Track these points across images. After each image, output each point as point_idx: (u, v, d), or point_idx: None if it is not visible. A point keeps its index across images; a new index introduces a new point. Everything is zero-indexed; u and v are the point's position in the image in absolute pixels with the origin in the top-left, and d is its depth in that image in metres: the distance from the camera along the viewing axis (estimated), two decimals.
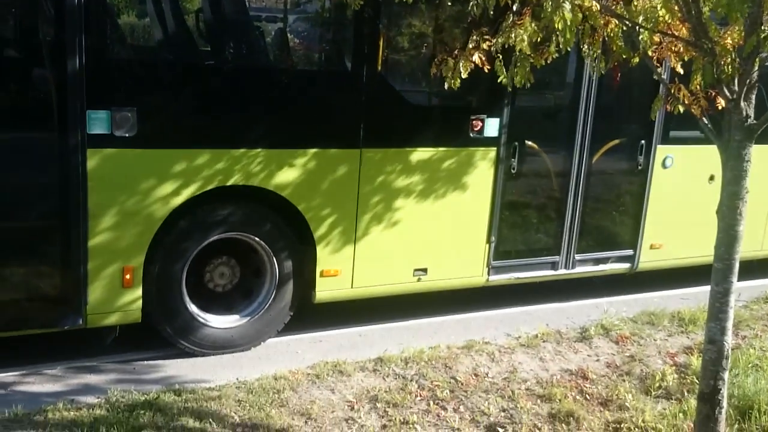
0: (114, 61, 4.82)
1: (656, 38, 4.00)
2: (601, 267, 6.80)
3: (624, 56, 4.21)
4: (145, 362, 5.19)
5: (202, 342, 5.29)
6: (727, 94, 3.64)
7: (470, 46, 4.23)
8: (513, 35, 3.92)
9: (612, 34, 4.10)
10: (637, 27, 3.84)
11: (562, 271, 6.63)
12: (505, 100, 5.87)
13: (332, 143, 5.39)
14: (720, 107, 3.91)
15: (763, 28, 3.40)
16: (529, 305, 6.64)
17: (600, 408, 4.91)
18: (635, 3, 3.80)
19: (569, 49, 3.93)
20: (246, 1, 5.47)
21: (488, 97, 5.83)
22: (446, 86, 4.32)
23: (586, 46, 4.23)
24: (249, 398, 4.65)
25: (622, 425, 4.68)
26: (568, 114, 6.41)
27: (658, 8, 3.66)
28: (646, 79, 6.11)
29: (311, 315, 5.78)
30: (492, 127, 5.89)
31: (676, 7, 3.59)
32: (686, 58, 4.14)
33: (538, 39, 3.98)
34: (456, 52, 4.29)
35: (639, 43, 3.94)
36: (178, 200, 4.93)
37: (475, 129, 5.84)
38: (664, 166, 6.71)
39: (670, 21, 3.76)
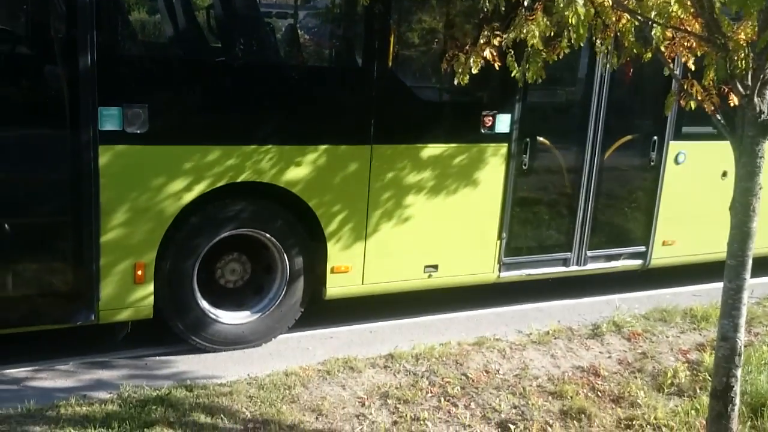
0: (125, 58, 4.84)
1: (669, 33, 3.97)
2: (613, 264, 6.77)
3: (636, 52, 4.19)
4: (157, 358, 5.21)
5: (214, 338, 5.31)
6: (741, 89, 3.61)
7: (481, 41, 4.21)
8: (525, 30, 3.90)
9: (624, 30, 4.08)
10: (650, 22, 3.81)
11: (573, 268, 6.60)
12: (516, 96, 5.84)
13: (343, 139, 5.38)
14: (733, 103, 3.89)
15: None
16: (541, 302, 6.62)
17: (612, 405, 4.89)
18: None
19: (581, 44, 3.91)
20: None
21: (499, 93, 5.81)
22: (456, 82, 4.31)
23: (598, 42, 4.21)
24: (260, 394, 4.67)
25: (633, 422, 4.67)
26: (579, 110, 6.39)
27: (671, 3, 3.64)
28: (658, 75, 6.04)
29: (322, 311, 5.79)
30: (503, 123, 5.87)
31: (688, 2, 3.57)
32: (699, 54, 4.11)
33: (550, 34, 3.97)
34: (467, 47, 4.28)
35: (651, 38, 3.91)
36: (189, 197, 4.94)
37: (486, 125, 5.83)
38: (676, 162, 6.67)
39: (682, 16, 3.74)
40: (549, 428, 4.54)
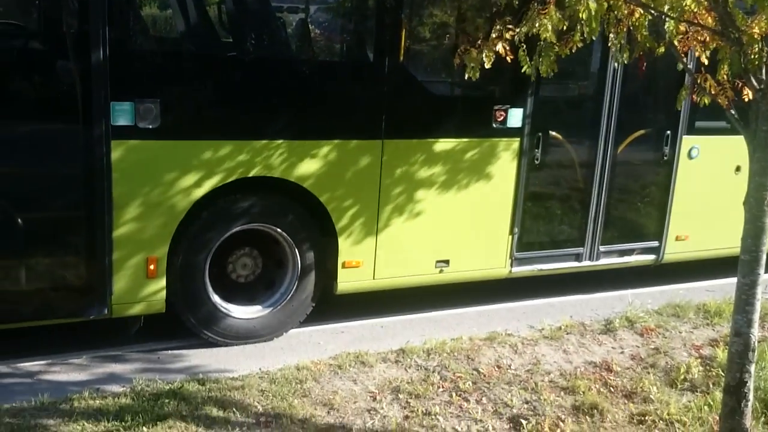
0: (137, 53, 4.85)
1: (682, 27, 3.94)
2: (626, 258, 6.75)
3: (649, 46, 4.16)
4: (169, 352, 5.24)
5: (225, 332, 5.33)
6: (755, 83, 3.58)
7: (493, 35, 4.19)
8: (537, 24, 3.88)
9: (637, 24, 4.05)
10: (663, 16, 3.79)
11: (586, 263, 6.58)
12: (528, 90, 5.82)
13: (354, 134, 5.38)
14: (747, 98, 3.86)
15: None
16: (553, 297, 6.61)
17: (624, 400, 4.87)
18: None
19: (594, 38, 3.89)
20: None
21: (511, 87, 5.79)
22: (467, 76, 4.29)
23: (611, 36, 4.18)
24: (272, 388, 4.68)
25: (646, 418, 4.65)
26: (592, 104, 6.36)
27: None
28: (671, 69, 6.01)
29: (333, 306, 5.79)
30: (515, 117, 5.85)
31: None
32: (712, 48, 4.08)
33: (563, 28, 3.95)
34: (479, 42, 4.26)
35: (664, 32, 3.89)
36: (200, 191, 4.96)
37: (498, 119, 5.81)
38: (690, 156, 6.64)
39: (696, 10, 3.71)
40: (561, 423, 4.53)
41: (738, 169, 6.60)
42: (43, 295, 4.80)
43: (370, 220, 5.55)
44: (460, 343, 5.48)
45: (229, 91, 5.08)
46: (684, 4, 3.62)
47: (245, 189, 5.14)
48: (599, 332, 5.88)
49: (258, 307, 5.48)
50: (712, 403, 4.76)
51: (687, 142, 6.59)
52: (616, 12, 3.84)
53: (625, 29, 4.13)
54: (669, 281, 7.05)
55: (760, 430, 4.46)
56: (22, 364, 4.88)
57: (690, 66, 4.59)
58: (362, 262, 5.61)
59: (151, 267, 4.94)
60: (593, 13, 3.59)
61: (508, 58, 4.23)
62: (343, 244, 5.50)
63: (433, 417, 4.51)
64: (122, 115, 4.64)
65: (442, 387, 4.86)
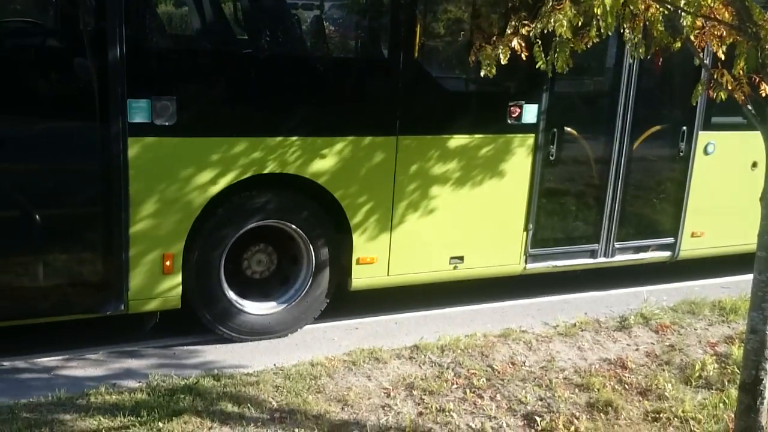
0: (154, 51, 4.87)
1: (698, 22, 3.92)
2: (642, 255, 6.71)
3: (665, 41, 4.14)
4: (185, 347, 5.27)
5: (240, 328, 5.35)
6: None
7: (508, 31, 4.18)
8: (552, 20, 3.87)
9: (653, 19, 4.03)
10: (679, 11, 3.76)
11: (601, 260, 6.55)
12: (543, 86, 5.80)
13: (368, 131, 5.38)
14: (764, 93, 3.83)
15: None
16: (567, 294, 6.59)
17: (639, 398, 4.86)
18: None
19: (610, 33, 3.87)
20: None
21: (526, 83, 5.77)
22: (483, 73, 4.29)
23: (626, 31, 4.16)
24: (286, 384, 4.70)
25: (661, 415, 4.64)
26: (608, 100, 6.33)
27: None
28: (687, 64, 5.98)
29: (347, 302, 5.81)
30: (530, 113, 5.83)
31: None
32: (729, 43, 4.05)
33: (578, 23, 3.93)
34: (494, 38, 4.25)
35: (681, 27, 3.86)
36: (216, 188, 4.98)
37: (513, 115, 5.80)
38: (705, 152, 6.59)
39: (712, 5, 3.69)
40: (575, 420, 4.53)
41: (754, 164, 6.56)
42: (60, 291, 4.83)
43: (384, 216, 5.55)
44: (474, 339, 5.48)
45: (245, 89, 5.10)
46: None
47: (260, 186, 5.16)
48: (614, 329, 5.86)
49: (273, 304, 5.49)
50: (727, 400, 4.74)
51: (703, 138, 6.55)
52: (631, 7, 3.82)
53: (641, 24, 4.11)
54: (684, 278, 7.02)
55: None
56: (39, 360, 4.93)
57: (706, 61, 4.56)
58: (376, 259, 5.62)
59: (167, 263, 4.97)
60: (608, 8, 3.58)
61: (523, 55, 4.22)
62: (358, 240, 5.51)
63: (447, 413, 4.52)
64: (139, 112, 4.67)
65: (456, 383, 4.86)
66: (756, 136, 3.80)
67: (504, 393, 4.81)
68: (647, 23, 4.08)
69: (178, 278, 5.04)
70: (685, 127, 6.50)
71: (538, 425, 4.46)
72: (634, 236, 6.64)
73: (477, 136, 5.72)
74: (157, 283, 4.99)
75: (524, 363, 5.22)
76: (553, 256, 6.35)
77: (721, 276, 7.09)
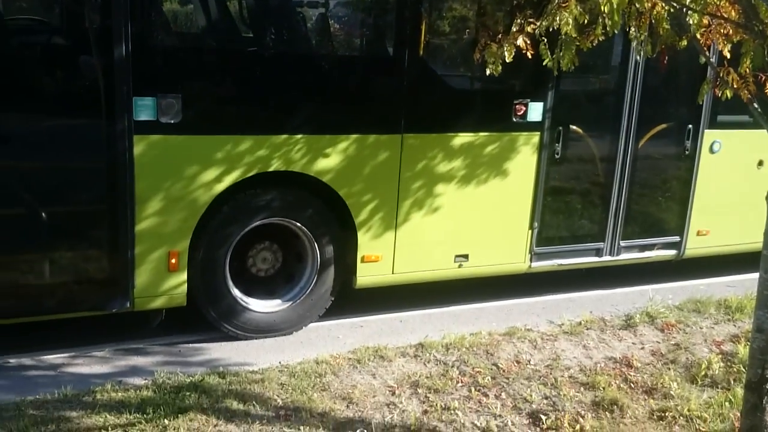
0: (159, 49, 4.88)
1: (705, 20, 3.91)
2: (647, 254, 6.70)
3: (671, 40, 4.13)
4: (191, 345, 5.28)
5: (245, 326, 5.36)
6: None
7: (514, 29, 4.18)
8: (558, 18, 3.86)
9: (659, 17, 4.02)
10: (685, 9, 3.75)
11: (606, 258, 6.54)
12: (549, 84, 5.79)
13: (373, 128, 5.38)
14: None
15: None
16: (572, 292, 6.59)
17: (644, 396, 4.86)
18: None
19: (616, 31, 3.87)
20: None
21: (532, 81, 5.77)
22: (487, 71, 4.28)
23: (632, 29, 4.15)
24: (291, 382, 4.71)
25: (666, 414, 4.63)
26: (613, 98, 6.32)
27: None
28: (693, 63, 5.98)
29: (352, 300, 5.81)
30: (536, 111, 5.83)
31: None
32: (735, 41, 4.04)
33: (584, 21, 3.92)
34: (499, 36, 4.25)
35: (687, 25, 3.85)
36: (221, 186, 4.99)
37: (519, 113, 5.79)
38: (711, 151, 6.58)
39: (719, 3, 3.68)
40: (581, 419, 4.52)
41: (760, 163, 6.55)
42: (66, 288, 4.85)
43: (389, 214, 5.55)
44: (479, 337, 5.48)
45: (250, 86, 5.10)
46: None
47: (265, 183, 5.16)
48: (619, 327, 5.85)
49: (278, 301, 5.50)
50: (732, 399, 4.73)
51: (709, 136, 6.53)
52: (637, 5, 3.81)
53: (647, 22, 4.10)
54: (690, 277, 7.00)
55: None
56: (45, 357, 4.94)
57: (712, 59, 4.55)
58: (381, 257, 5.62)
59: (173, 261, 4.97)
60: (615, 6, 3.57)
61: (528, 53, 4.22)
62: (363, 238, 5.51)
63: (452, 412, 4.52)
64: (144, 110, 4.68)
65: (461, 382, 4.86)
66: (762, 134, 3.80)
67: (509, 391, 4.81)
68: (653, 21, 4.07)
69: (184, 276, 5.05)
70: (690, 126, 6.48)
71: (543, 424, 4.45)
72: (640, 234, 6.63)
73: (482, 134, 5.72)
74: (163, 280, 5.00)
75: (529, 361, 5.22)
76: (559, 254, 6.34)
77: (726, 274, 7.08)
